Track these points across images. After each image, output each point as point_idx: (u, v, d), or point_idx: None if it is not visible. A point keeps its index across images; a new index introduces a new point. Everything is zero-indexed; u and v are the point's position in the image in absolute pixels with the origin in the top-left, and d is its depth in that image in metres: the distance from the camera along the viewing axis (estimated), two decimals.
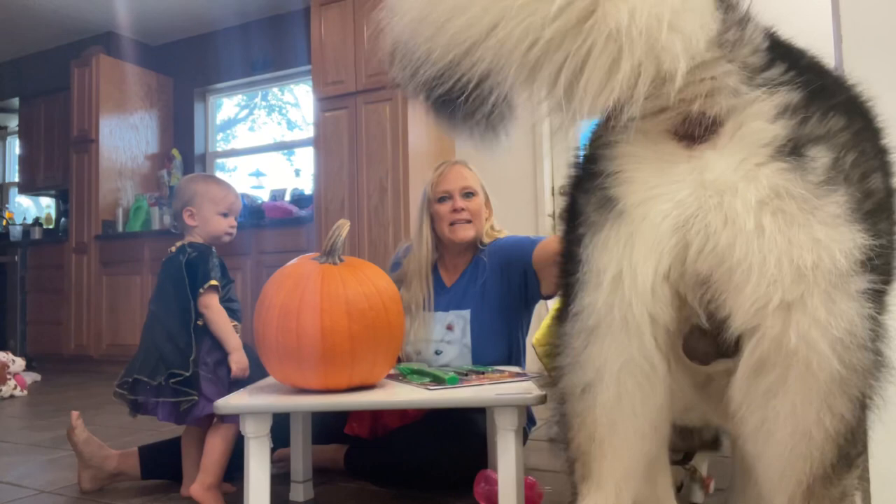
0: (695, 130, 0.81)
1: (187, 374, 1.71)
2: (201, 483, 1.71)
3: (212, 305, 1.79)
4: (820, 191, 0.77)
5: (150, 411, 1.77)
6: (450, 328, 1.95)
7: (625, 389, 0.89)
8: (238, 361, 1.79)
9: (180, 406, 1.71)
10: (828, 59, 1.07)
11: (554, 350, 1.00)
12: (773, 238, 0.77)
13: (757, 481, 0.87)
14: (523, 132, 4.78)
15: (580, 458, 0.96)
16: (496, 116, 0.92)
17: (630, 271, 0.84)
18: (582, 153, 0.96)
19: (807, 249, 0.76)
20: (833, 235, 0.76)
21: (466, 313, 1.94)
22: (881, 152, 0.84)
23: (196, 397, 1.72)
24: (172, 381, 1.71)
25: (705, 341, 0.89)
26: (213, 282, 1.79)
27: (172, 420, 1.75)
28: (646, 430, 0.92)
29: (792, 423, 0.79)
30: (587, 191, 0.91)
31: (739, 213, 0.78)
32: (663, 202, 0.83)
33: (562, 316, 0.97)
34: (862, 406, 0.80)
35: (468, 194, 1.92)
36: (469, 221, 1.90)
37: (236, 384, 1.77)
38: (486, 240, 1.99)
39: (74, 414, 1.91)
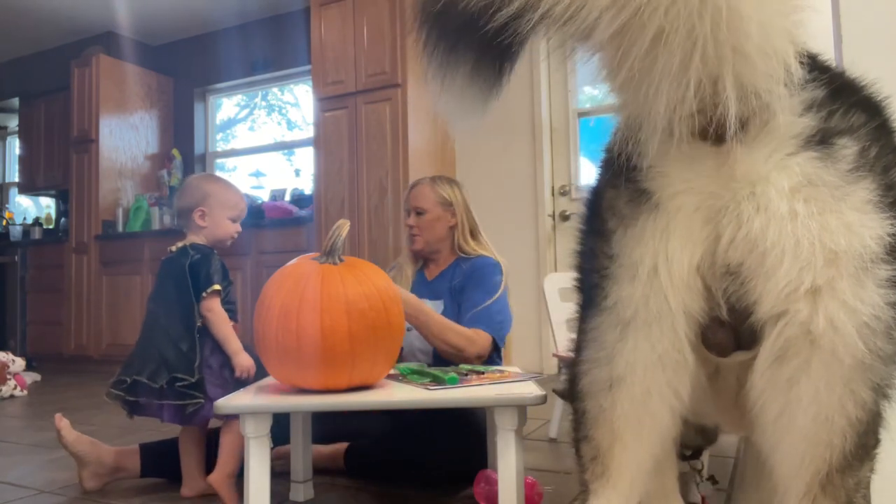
0: (721, 131, 0.82)
1: (192, 380, 1.71)
2: (221, 472, 1.73)
3: (214, 309, 1.80)
4: (850, 177, 0.79)
5: (154, 413, 1.77)
6: None
7: (655, 384, 0.89)
8: (241, 364, 1.80)
9: (186, 409, 1.72)
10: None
11: (576, 345, 0.99)
12: (807, 223, 0.78)
13: (772, 472, 0.87)
14: (523, 131, 4.76)
15: (598, 455, 0.95)
16: (513, 49, 0.90)
17: (666, 263, 0.86)
18: (611, 153, 0.96)
19: (839, 234, 0.78)
20: (864, 221, 0.78)
21: (440, 303, 2.13)
22: None
23: (202, 400, 1.72)
24: (178, 384, 1.71)
25: (724, 333, 0.90)
26: (217, 286, 1.80)
27: (177, 422, 1.76)
28: (669, 425, 0.92)
29: (814, 409, 0.80)
30: (617, 185, 0.92)
31: (773, 199, 0.79)
32: (695, 195, 0.84)
33: (587, 311, 0.96)
34: (883, 395, 0.81)
35: (418, 213, 2.20)
36: (417, 235, 2.20)
37: (240, 384, 1.77)
38: (468, 249, 2.19)
39: (57, 417, 1.90)
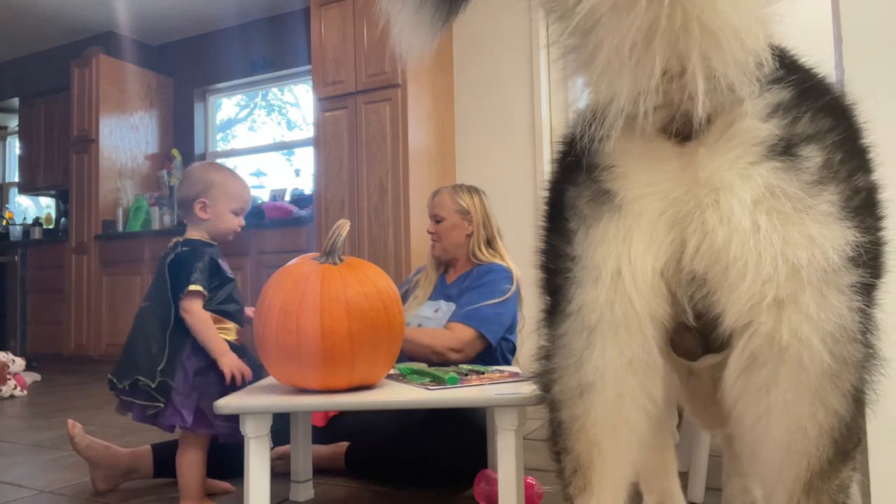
0: (685, 128, 0.81)
1: (152, 384, 1.61)
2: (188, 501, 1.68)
3: (192, 311, 1.67)
4: (813, 189, 0.78)
5: (127, 409, 1.70)
6: (437, 311, 2.23)
7: (627, 389, 0.87)
8: (227, 365, 1.66)
9: (146, 411, 1.64)
10: (828, 59, 1.07)
11: (546, 353, 0.97)
12: (769, 236, 0.77)
13: (755, 477, 0.87)
14: (523, 131, 4.75)
15: (578, 468, 0.93)
16: None
17: (629, 267, 0.84)
18: (570, 146, 0.94)
19: (801, 247, 0.77)
20: (826, 233, 0.77)
21: (453, 305, 2.20)
22: (864, 151, 0.86)
23: (162, 405, 1.63)
24: (140, 385, 1.63)
25: (691, 337, 0.89)
26: (195, 287, 1.67)
27: (146, 422, 1.68)
28: (645, 430, 0.90)
29: (786, 419, 0.80)
30: (578, 184, 0.89)
31: (735, 211, 0.78)
32: (660, 199, 0.83)
33: (554, 317, 0.94)
34: (855, 400, 0.80)
35: (438, 220, 2.29)
36: (436, 242, 2.30)
37: (214, 392, 1.64)
38: (482, 257, 2.25)
39: (70, 423, 1.88)
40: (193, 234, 1.80)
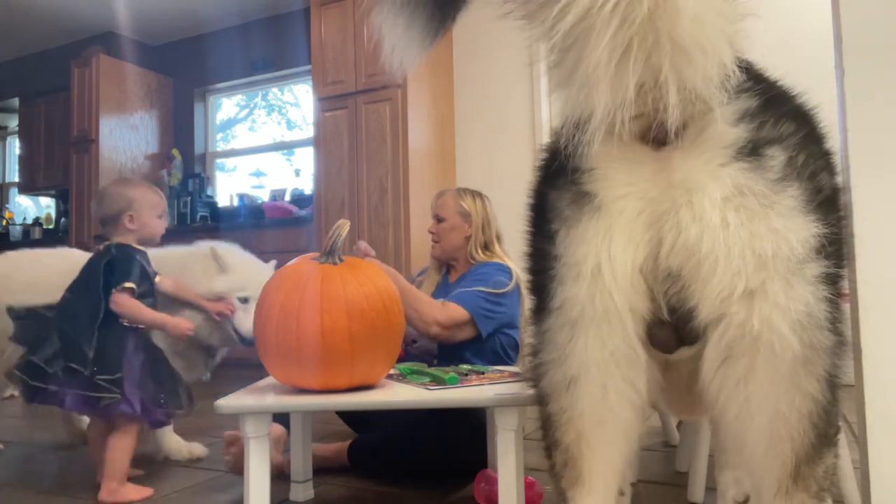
0: (661, 134, 0.86)
1: (85, 372, 1.76)
2: (108, 489, 1.80)
3: (123, 304, 1.86)
4: (777, 186, 0.84)
5: (49, 399, 1.81)
6: None
7: (611, 380, 0.91)
8: (175, 327, 1.92)
9: (100, 401, 1.76)
10: (828, 59, 1.07)
11: (533, 349, 1.01)
12: (737, 231, 0.83)
13: (744, 468, 0.90)
14: (523, 131, 4.73)
15: (569, 461, 0.96)
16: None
17: (609, 263, 0.88)
18: (552, 154, 0.99)
19: (767, 240, 0.82)
20: (790, 225, 0.83)
21: None
22: (826, 154, 0.91)
23: (118, 396, 1.77)
24: (98, 377, 1.76)
25: (666, 331, 0.93)
26: (129, 284, 1.87)
27: (84, 410, 1.84)
28: (631, 421, 0.93)
29: (767, 406, 0.84)
30: (559, 187, 0.94)
31: (706, 209, 0.84)
32: (638, 199, 0.88)
33: (539, 314, 0.98)
34: (830, 385, 0.84)
35: (439, 220, 2.33)
36: (436, 242, 2.34)
37: (161, 387, 1.86)
38: (478, 258, 2.29)
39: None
40: (119, 241, 1.96)
